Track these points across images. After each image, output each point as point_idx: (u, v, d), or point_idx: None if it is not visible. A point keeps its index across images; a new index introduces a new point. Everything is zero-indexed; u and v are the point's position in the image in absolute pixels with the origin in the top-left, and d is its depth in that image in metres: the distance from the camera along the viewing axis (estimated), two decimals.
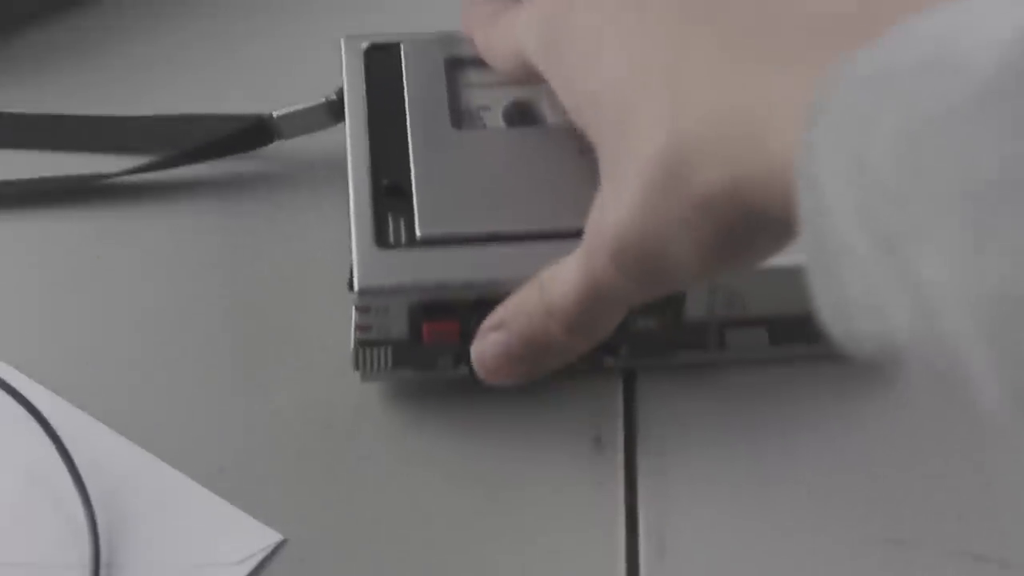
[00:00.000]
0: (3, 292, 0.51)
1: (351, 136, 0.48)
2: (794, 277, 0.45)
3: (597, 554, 0.46)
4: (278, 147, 0.54)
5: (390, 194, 0.47)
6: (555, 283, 0.43)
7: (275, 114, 0.53)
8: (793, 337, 0.48)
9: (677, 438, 0.48)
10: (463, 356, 0.46)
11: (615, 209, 0.40)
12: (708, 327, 0.48)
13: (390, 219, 0.46)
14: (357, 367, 0.47)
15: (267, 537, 0.46)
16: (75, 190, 0.53)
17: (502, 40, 0.48)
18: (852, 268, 0.31)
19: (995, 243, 0.28)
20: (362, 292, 0.45)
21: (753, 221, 0.37)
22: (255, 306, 0.51)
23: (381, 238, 0.46)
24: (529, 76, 0.46)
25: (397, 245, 0.46)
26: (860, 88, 0.31)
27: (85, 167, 0.54)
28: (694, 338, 0.48)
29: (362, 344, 0.46)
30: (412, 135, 0.48)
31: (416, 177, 0.47)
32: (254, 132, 0.53)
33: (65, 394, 0.48)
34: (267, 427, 0.48)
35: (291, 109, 0.53)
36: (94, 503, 0.45)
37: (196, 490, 0.46)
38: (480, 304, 0.45)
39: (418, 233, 0.46)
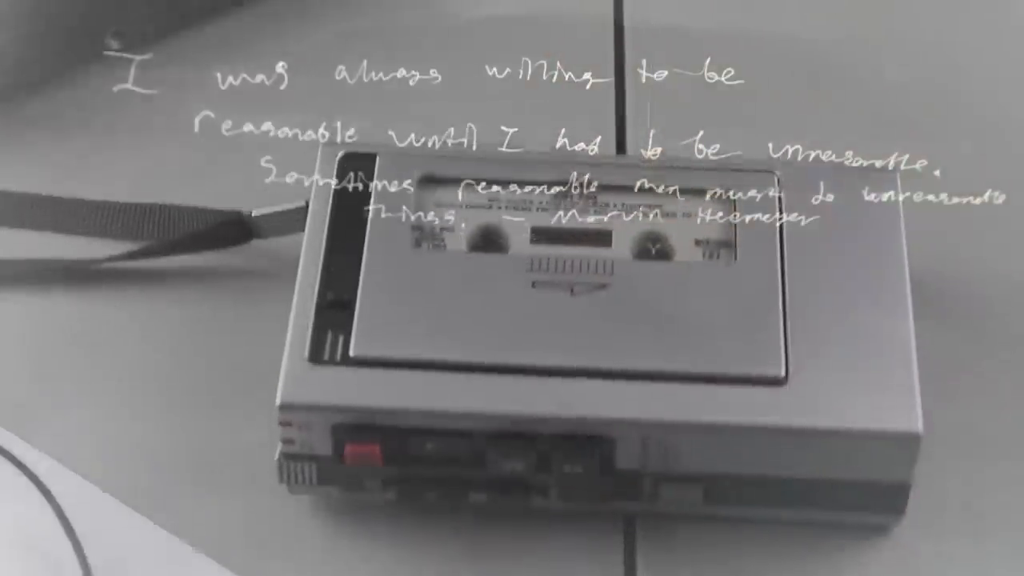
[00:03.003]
0: (2, 361, 0.52)
1: (306, 245, 0.47)
2: (730, 436, 0.44)
3: None
4: (258, 243, 0.53)
5: (334, 309, 0.46)
6: None
7: (253, 213, 0.52)
8: (729, 499, 0.46)
9: None
10: (391, 479, 0.46)
11: None
12: (642, 479, 0.46)
13: (329, 334, 0.45)
14: (282, 480, 0.46)
15: None
16: (64, 273, 0.53)
17: None
18: None
19: None
20: (283, 407, 0.44)
21: None
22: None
23: (315, 353, 0.45)
24: None
25: (332, 362, 0.45)
26: None
27: (71, 249, 0.54)
28: (627, 489, 0.46)
29: (286, 457, 0.46)
30: (367, 251, 0.47)
31: (361, 295, 0.46)
32: (233, 229, 0.53)
33: (65, 461, 0.48)
34: (268, 497, 0.48)
35: (269, 210, 0.52)
36: (94, 571, 0.45)
37: (195, 558, 0.46)
38: (406, 431, 0.44)
39: (352, 352, 0.45)
